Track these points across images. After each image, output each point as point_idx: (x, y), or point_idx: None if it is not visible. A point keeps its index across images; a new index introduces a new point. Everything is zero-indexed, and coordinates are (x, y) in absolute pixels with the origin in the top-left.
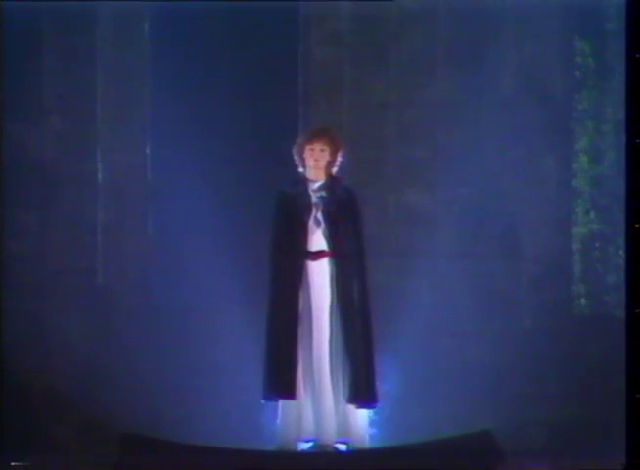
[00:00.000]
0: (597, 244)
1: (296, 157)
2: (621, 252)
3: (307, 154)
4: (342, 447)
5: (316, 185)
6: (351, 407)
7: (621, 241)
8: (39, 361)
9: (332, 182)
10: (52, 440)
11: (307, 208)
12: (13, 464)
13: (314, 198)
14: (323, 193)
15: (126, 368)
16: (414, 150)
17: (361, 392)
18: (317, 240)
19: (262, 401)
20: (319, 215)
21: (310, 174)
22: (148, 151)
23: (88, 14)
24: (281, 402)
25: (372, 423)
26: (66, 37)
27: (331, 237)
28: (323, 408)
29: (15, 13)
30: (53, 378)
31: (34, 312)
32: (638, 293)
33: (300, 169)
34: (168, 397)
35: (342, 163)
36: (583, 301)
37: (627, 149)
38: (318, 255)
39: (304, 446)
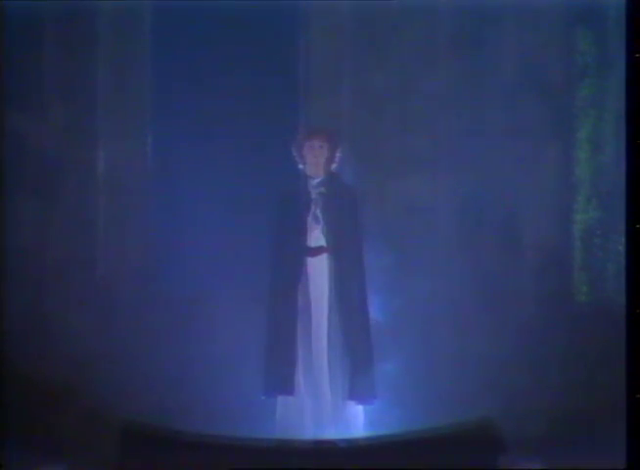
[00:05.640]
0: (598, 232)
1: (295, 153)
2: (623, 240)
3: (306, 150)
4: (341, 443)
5: (315, 181)
6: (350, 403)
7: (622, 229)
8: (40, 353)
9: (331, 178)
10: (52, 432)
11: (306, 204)
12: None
13: (313, 194)
14: (322, 189)
15: (127, 360)
16: (415, 141)
17: (360, 387)
18: (316, 236)
19: (262, 397)
20: (318, 212)
21: (310, 171)
22: (149, 142)
23: (89, 4)
24: (280, 398)
25: (371, 417)
26: (66, 27)
27: (330, 233)
28: (322, 404)
29: (15, 3)
30: (53, 369)
31: (35, 304)
32: (639, 293)
33: (300, 166)
34: (169, 389)
35: (341, 158)
36: (584, 289)
37: (627, 150)
38: (317, 251)
39: (303, 441)
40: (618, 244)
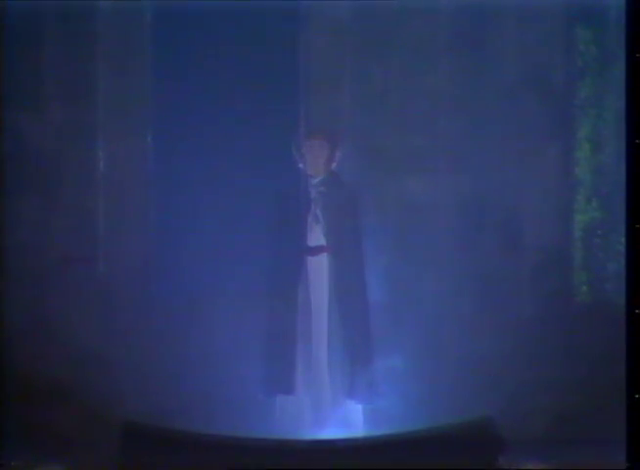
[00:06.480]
0: (598, 232)
1: (295, 153)
2: (623, 240)
3: (306, 150)
4: (341, 442)
5: (315, 180)
6: (350, 402)
7: (622, 229)
8: (40, 352)
9: (331, 178)
10: (53, 430)
11: (306, 203)
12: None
13: (313, 193)
14: (322, 188)
15: (127, 359)
16: (415, 141)
17: (360, 386)
18: (316, 235)
19: (261, 396)
20: (318, 211)
21: (310, 170)
22: (149, 140)
23: (89, 4)
24: (279, 397)
25: (371, 416)
26: (66, 27)
27: (330, 232)
28: (321, 403)
29: (16, 3)
30: (53, 367)
31: (35, 302)
32: (639, 293)
33: (300, 165)
34: (169, 388)
35: (341, 157)
36: (585, 288)
37: (627, 149)
38: (317, 250)
39: (302, 440)
40: (618, 244)
